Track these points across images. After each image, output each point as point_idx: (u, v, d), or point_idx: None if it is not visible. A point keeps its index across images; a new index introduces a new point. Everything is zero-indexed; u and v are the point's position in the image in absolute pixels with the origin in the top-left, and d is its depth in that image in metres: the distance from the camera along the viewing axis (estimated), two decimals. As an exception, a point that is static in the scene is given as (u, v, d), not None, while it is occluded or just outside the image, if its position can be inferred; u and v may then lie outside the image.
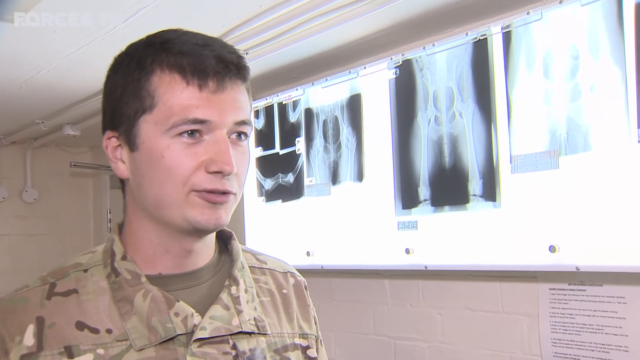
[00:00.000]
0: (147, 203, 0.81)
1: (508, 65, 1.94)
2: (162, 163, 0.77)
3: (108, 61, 0.86)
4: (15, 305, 0.79)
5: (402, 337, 2.43)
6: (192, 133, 0.77)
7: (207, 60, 0.78)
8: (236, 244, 0.92)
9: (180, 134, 0.77)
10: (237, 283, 0.86)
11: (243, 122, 0.80)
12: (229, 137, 0.79)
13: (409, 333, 2.41)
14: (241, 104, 0.80)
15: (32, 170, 4.06)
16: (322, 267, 2.55)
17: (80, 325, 0.78)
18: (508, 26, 1.93)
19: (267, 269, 0.96)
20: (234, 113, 0.79)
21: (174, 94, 0.77)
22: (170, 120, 0.77)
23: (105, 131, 0.83)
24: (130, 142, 0.80)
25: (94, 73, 2.47)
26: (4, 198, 4.00)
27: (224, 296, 0.84)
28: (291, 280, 0.97)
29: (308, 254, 2.59)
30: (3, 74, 2.51)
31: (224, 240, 0.92)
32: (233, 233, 0.93)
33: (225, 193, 0.79)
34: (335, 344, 2.67)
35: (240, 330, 0.82)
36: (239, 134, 0.81)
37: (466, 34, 2.04)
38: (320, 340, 0.99)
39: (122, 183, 0.86)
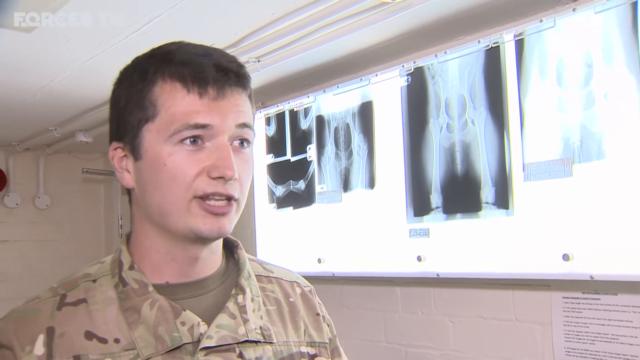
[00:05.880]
0: (152, 211, 0.82)
1: (521, 73, 1.93)
2: (164, 170, 0.79)
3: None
4: (27, 316, 0.81)
5: (414, 344, 2.42)
6: (194, 140, 0.78)
7: (207, 68, 0.79)
8: (242, 253, 0.92)
9: (182, 141, 0.78)
10: (243, 292, 0.87)
11: (244, 125, 0.81)
12: (231, 144, 0.80)
13: (420, 341, 2.40)
14: (242, 108, 0.81)
15: (44, 177, 4.09)
16: (333, 274, 2.55)
17: (89, 335, 0.79)
18: (521, 34, 1.93)
19: (273, 277, 0.96)
20: (234, 116, 0.80)
21: (175, 102, 0.79)
22: (172, 127, 0.78)
23: (112, 142, 0.85)
24: (135, 151, 0.82)
25: (106, 81, 2.43)
26: (17, 204, 4.03)
27: (231, 305, 0.84)
28: (298, 290, 0.97)
29: (319, 261, 2.58)
30: (18, 82, 2.54)
31: (231, 249, 0.93)
32: (239, 242, 0.93)
33: (228, 200, 0.80)
34: (347, 351, 2.64)
35: (247, 338, 0.83)
36: (242, 141, 0.82)
37: (478, 42, 2.04)
38: (337, 340, 0.99)
39: (129, 193, 0.87)
